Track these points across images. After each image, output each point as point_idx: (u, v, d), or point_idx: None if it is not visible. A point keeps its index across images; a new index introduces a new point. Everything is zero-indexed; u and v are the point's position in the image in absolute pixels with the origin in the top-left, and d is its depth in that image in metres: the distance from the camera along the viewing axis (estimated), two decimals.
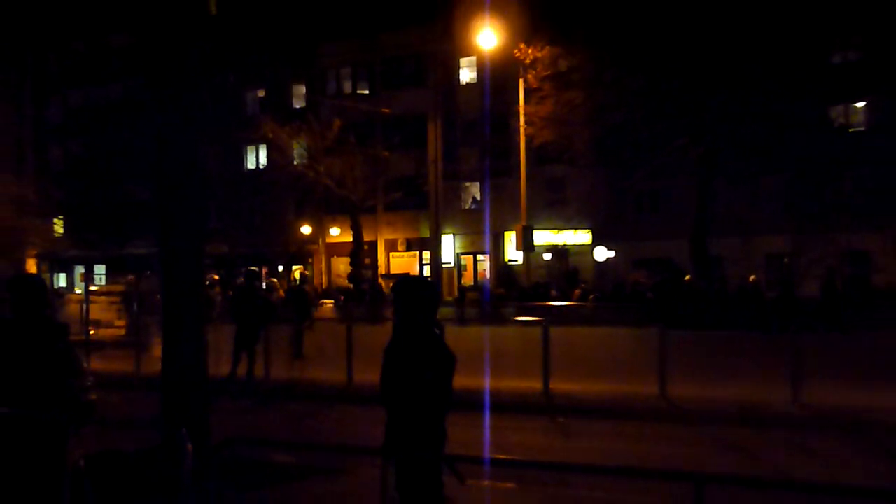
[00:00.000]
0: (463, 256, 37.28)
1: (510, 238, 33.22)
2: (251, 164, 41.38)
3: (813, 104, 22.88)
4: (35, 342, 4.35)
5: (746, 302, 19.52)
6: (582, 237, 34.34)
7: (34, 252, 43.21)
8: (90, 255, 42.26)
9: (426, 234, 35.80)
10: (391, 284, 5.89)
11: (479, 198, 36.28)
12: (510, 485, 6.13)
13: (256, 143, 38.98)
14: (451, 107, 35.26)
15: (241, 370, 12.16)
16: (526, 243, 26.86)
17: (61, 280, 46.04)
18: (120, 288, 20.70)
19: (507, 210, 32.03)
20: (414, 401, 4.04)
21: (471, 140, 35.01)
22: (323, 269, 39.58)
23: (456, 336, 6.31)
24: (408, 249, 37.90)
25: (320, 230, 38.80)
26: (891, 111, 26.72)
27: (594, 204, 33.29)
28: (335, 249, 38.72)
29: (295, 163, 34.64)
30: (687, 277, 22.01)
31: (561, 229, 34.00)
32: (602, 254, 32.82)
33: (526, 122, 25.15)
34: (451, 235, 36.51)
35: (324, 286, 37.30)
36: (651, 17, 19.37)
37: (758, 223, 28.42)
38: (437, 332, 4.19)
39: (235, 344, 12.20)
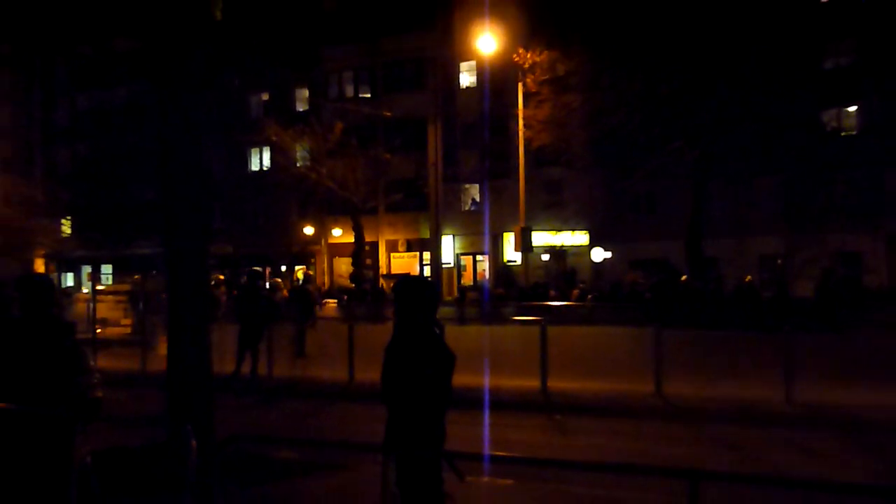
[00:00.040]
0: (462, 257, 37.40)
1: (509, 239, 33.33)
2: (255, 166, 41.59)
3: (806, 108, 23.11)
4: (43, 340, 4.39)
5: (743, 302, 19.60)
6: (579, 238, 34.46)
7: (42, 252, 43.54)
8: (97, 255, 42.43)
9: (426, 234, 35.90)
10: (392, 284, 5.95)
11: (478, 199, 36.41)
12: (509, 481, 6.17)
13: (260, 145, 39.21)
14: (451, 110, 35.41)
15: (245, 368, 12.28)
16: (524, 244, 26.97)
17: (69, 279, 46.16)
18: (126, 287, 20.78)
19: (505, 211, 32.14)
20: (414, 398, 4.07)
21: (470, 143, 35.21)
22: (325, 269, 39.72)
23: (456, 335, 6.38)
24: (408, 250, 38.05)
25: (322, 231, 38.96)
26: (882, 115, 27.01)
27: (591, 205, 33.45)
28: (337, 250, 38.86)
29: (298, 165, 34.81)
30: (683, 278, 22.13)
31: (559, 230, 34.14)
32: (599, 254, 32.92)
33: (524, 126, 25.26)
34: (451, 236, 36.63)
35: (326, 286, 37.43)
36: (647, 22, 19.52)
37: (752, 224, 28.58)
38: (437, 331, 4.21)
39: (239, 343, 12.31)
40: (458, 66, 36.42)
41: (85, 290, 32.67)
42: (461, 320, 22.87)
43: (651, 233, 30.65)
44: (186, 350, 7.12)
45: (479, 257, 36.59)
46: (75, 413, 4.36)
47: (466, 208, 36.95)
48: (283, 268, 39.82)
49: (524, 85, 24.76)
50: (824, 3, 25.04)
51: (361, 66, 38.60)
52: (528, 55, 23.57)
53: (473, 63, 34.86)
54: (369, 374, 6.86)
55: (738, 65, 19.80)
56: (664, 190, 29.25)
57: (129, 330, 18.37)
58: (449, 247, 36.65)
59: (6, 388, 4.32)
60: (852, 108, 28.99)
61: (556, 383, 10.78)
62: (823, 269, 20.71)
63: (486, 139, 33.46)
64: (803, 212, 26.65)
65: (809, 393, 9.64)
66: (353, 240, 34.46)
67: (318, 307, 20.22)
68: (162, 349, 8.99)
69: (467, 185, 36.62)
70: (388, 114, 34.51)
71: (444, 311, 9.79)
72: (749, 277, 21.58)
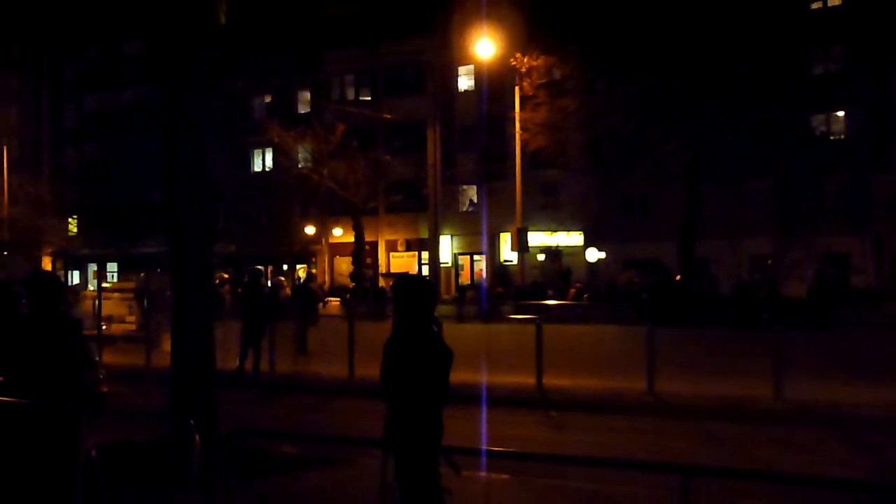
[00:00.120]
0: (460, 257, 37.63)
1: (505, 239, 33.42)
2: (258, 167, 41.91)
3: (796, 113, 23.39)
4: (51, 336, 4.47)
5: (744, 300, 19.71)
6: (574, 238, 34.64)
7: (49, 250, 43.84)
8: (103, 253, 42.65)
9: (425, 235, 36.01)
10: (391, 283, 6.04)
11: (475, 200, 36.65)
12: (504, 476, 6.19)
13: (263, 146, 39.52)
14: (449, 113, 35.59)
15: (248, 365, 12.45)
16: (521, 244, 27.15)
17: (75, 277, 46.36)
18: (131, 285, 20.98)
19: (502, 212, 32.26)
20: (412, 394, 4.10)
21: (468, 145, 35.50)
22: (326, 268, 39.95)
23: (454, 333, 6.49)
24: (407, 250, 38.29)
25: (324, 231, 39.17)
26: (869, 120, 27.36)
27: (586, 207, 33.64)
28: (338, 249, 39.09)
29: (300, 166, 35.07)
30: (678, 277, 22.33)
31: (554, 231, 34.35)
32: (593, 255, 33.09)
33: (521, 128, 25.40)
34: (449, 236, 36.82)
35: (327, 285, 37.67)
36: (642, 28, 19.70)
37: (743, 226, 28.80)
38: (436, 328, 4.23)
39: (242, 339, 12.49)
40: (457, 70, 36.66)
41: (91, 288, 32.86)
42: (459, 318, 23.00)
43: (644, 233, 30.83)
44: (190, 346, 7.25)
45: (476, 257, 36.79)
46: (81, 407, 4.43)
47: (464, 209, 37.16)
48: (285, 267, 40.11)
49: (521, 89, 24.92)
50: (814, 9, 25.38)
51: (362, 69, 38.87)
52: (525, 59, 23.73)
53: (471, 67, 35.11)
54: (369, 370, 6.95)
55: (730, 70, 20.04)
56: (657, 192, 29.43)
57: (133, 327, 18.48)
58: (447, 247, 36.84)
59: (15, 382, 4.42)
60: (841, 113, 29.42)
61: (551, 380, 10.91)
62: (817, 270, 20.92)
63: (483, 142, 33.71)
64: (793, 214, 26.97)
65: (798, 390, 9.75)
66: (353, 239, 34.69)
67: (321, 305, 20.38)
68: (166, 345, 9.12)
69: (465, 187, 36.86)
70: (389, 116, 34.73)
71: (442, 310, 9.93)
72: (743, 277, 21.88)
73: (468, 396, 9.01)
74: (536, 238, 32.70)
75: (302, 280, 27.50)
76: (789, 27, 20.33)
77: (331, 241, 39.30)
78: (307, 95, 40.25)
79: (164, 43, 7.38)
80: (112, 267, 43.48)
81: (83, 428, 4.40)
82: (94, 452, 4.57)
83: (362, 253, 34.58)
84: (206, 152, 7.51)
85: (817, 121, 28.26)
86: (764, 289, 20.10)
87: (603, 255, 32.96)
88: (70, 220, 44.69)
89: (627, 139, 22.38)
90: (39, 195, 38.47)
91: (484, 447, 5.07)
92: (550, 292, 26.50)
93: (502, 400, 10.26)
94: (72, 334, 4.57)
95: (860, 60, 26.01)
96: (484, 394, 9.94)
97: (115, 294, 20.55)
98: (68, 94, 47.17)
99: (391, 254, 38.78)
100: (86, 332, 5.00)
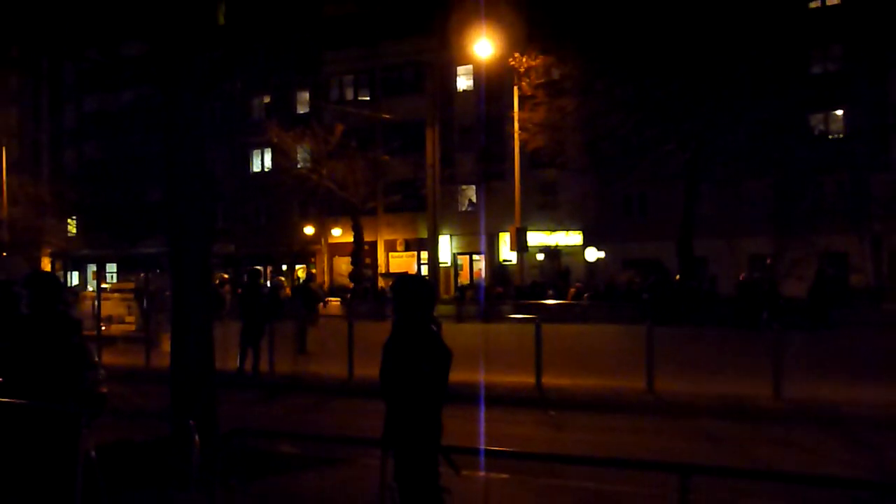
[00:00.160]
0: (459, 256, 37.67)
1: (504, 239, 33.48)
2: (257, 168, 41.94)
3: (794, 112, 23.46)
4: (51, 336, 4.44)
5: (747, 298, 19.71)
6: (573, 238, 34.67)
7: (49, 250, 43.95)
8: (102, 253, 42.81)
9: (424, 234, 36.07)
10: (390, 283, 6.05)
11: (474, 200, 36.67)
12: (504, 475, 6.17)
13: (262, 147, 39.56)
14: (448, 113, 35.66)
15: (248, 365, 12.46)
16: (519, 244, 27.20)
17: (74, 278, 46.48)
18: (131, 285, 20.99)
19: (501, 212, 32.29)
20: (412, 394, 4.11)
21: (467, 145, 35.56)
22: (325, 268, 39.98)
23: (453, 333, 6.50)
24: (406, 249, 38.32)
25: (323, 231, 39.20)
26: (868, 120, 27.42)
27: (585, 206, 33.67)
28: (337, 249, 39.13)
29: (299, 166, 35.15)
30: (677, 277, 22.37)
31: (553, 231, 34.37)
32: (592, 254, 33.15)
33: (520, 128, 25.46)
34: (448, 236, 36.86)
35: (326, 285, 37.72)
36: (641, 28, 19.75)
37: (742, 225, 28.87)
38: (435, 328, 4.24)
39: (241, 339, 12.51)
40: (456, 71, 36.70)
41: (90, 288, 32.89)
42: (459, 318, 23.03)
43: (643, 233, 30.88)
44: (190, 347, 7.26)
45: (475, 257, 36.83)
46: (81, 408, 4.41)
47: (463, 209, 37.20)
48: (284, 267, 40.18)
49: (520, 89, 24.96)
50: (812, 9, 25.43)
51: (361, 69, 38.89)
52: (524, 60, 23.79)
53: (470, 67, 35.11)
54: (369, 370, 6.97)
55: (728, 70, 20.09)
56: (656, 191, 29.51)
57: (133, 327, 18.53)
58: (446, 246, 36.87)
59: (15, 383, 4.39)
60: (839, 113, 29.49)
61: (550, 380, 10.91)
62: (817, 269, 20.97)
63: (482, 142, 33.76)
64: (792, 213, 27.04)
65: (798, 389, 9.75)
66: (352, 239, 34.75)
67: (322, 305, 20.44)
68: (166, 346, 9.13)
69: (464, 187, 36.92)
70: (387, 116, 34.79)
71: (441, 309, 9.96)
72: (743, 276, 21.88)
73: (467, 396, 9.03)
74: (535, 238, 32.74)
75: (302, 280, 27.55)
76: (788, 26, 20.40)
77: (330, 241, 39.34)
78: (306, 96, 40.32)
79: (164, 44, 7.38)
80: (112, 267, 43.62)
81: (83, 428, 4.39)
82: (93, 453, 4.53)
83: (361, 253, 34.64)
84: (206, 153, 7.52)
85: (816, 120, 28.42)
86: (763, 287, 20.14)
87: (602, 254, 33.02)
88: (70, 220, 44.85)
89: (626, 139, 22.46)
90: (39, 196, 38.62)
91: (483, 447, 5.07)
92: (550, 292, 26.55)
93: (502, 399, 10.28)
94: (72, 335, 4.55)
95: (859, 60, 26.09)
96: (483, 393, 9.95)
97: (115, 294, 20.62)
98: (68, 95, 47.33)
99: (390, 254, 38.81)
100: (85, 333, 4.99)
